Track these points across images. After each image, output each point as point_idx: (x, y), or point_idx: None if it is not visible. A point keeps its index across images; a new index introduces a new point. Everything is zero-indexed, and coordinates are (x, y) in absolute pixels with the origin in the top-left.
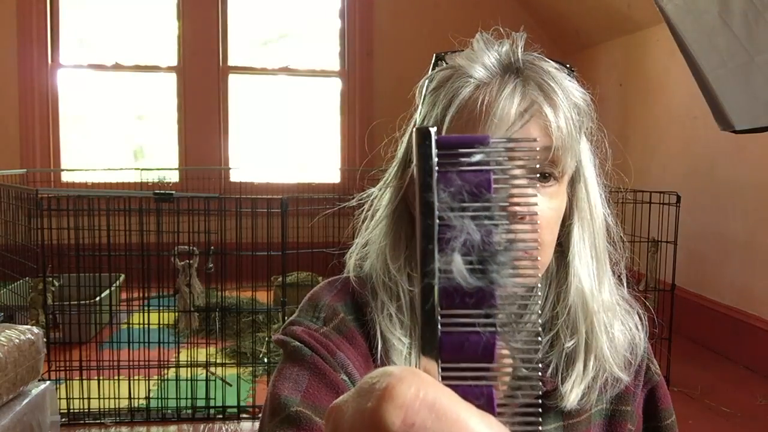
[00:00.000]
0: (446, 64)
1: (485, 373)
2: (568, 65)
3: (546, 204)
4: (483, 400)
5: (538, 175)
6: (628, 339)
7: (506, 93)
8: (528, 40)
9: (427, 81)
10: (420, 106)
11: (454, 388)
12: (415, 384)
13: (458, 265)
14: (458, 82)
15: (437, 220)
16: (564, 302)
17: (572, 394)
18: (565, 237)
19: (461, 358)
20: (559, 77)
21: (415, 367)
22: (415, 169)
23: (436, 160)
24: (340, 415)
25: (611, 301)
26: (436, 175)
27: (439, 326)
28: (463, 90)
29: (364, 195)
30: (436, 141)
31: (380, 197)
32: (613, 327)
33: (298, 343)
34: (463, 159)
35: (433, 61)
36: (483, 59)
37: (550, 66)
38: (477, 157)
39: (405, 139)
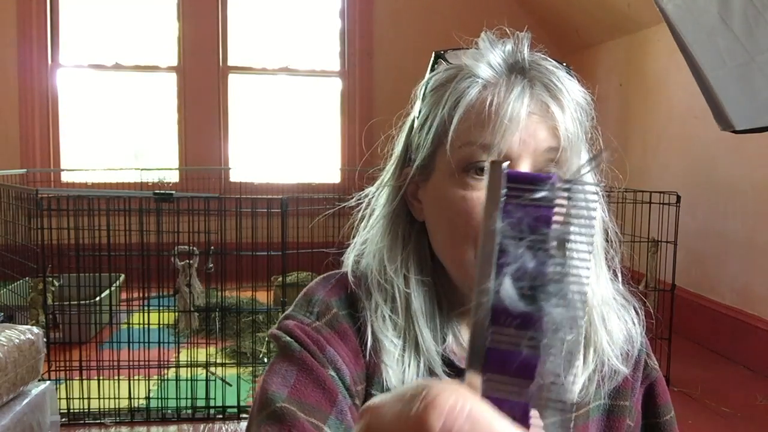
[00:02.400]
0: (446, 62)
1: (524, 389)
2: (565, 64)
3: None
4: (518, 415)
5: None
6: (624, 333)
7: (515, 94)
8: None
9: (427, 79)
10: (420, 105)
11: (493, 399)
12: (455, 395)
13: (509, 288)
14: (464, 82)
15: (497, 246)
16: None
17: (574, 386)
18: None
19: (504, 372)
20: (563, 77)
21: (406, 369)
22: (484, 197)
23: (504, 191)
24: (379, 417)
25: (607, 295)
26: (501, 205)
27: (488, 341)
28: (470, 90)
29: (363, 195)
30: (507, 174)
31: (377, 196)
32: (610, 320)
33: (289, 339)
34: (528, 194)
35: (432, 59)
36: (489, 58)
37: (553, 65)
38: (541, 194)
39: (402, 136)
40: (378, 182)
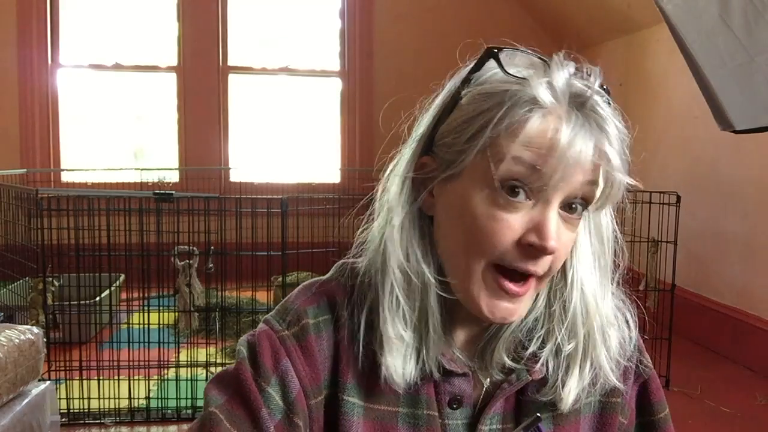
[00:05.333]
0: (500, 66)
1: None
2: (605, 87)
3: (568, 236)
4: None
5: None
6: (620, 338)
7: (581, 137)
8: (528, 41)
9: (474, 75)
10: (457, 94)
11: None
12: None
13: None
14: (522, 106)
15: None
16: (561, 300)
17: (570, 397)
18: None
19: None
20: (611, 113)
21: (406, 362)
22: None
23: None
24: None
25: (611, 314)
26: None
27: None
28: (530, 118)
29: (377, 190)
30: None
31: (390, 181)
32: (611, 336)
33: (245, 351)
34: None
35: (483, 55)
36: (555, 80)
37: (605, 102)
38: None
39: (425, 122)
40: (392, 164)
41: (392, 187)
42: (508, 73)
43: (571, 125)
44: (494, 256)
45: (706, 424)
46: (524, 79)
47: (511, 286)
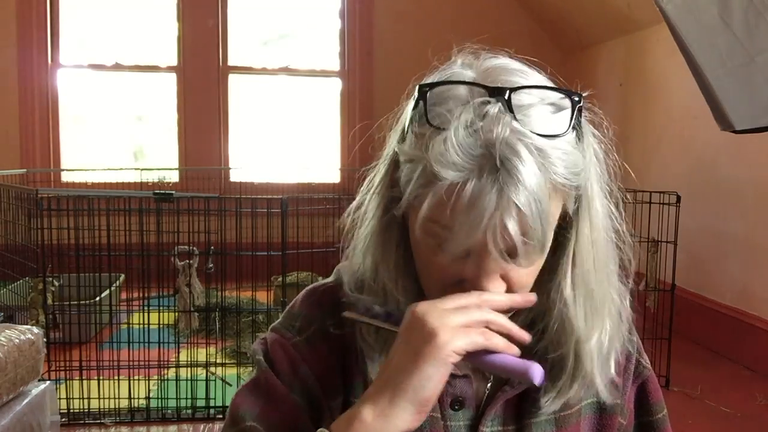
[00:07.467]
0: (424, 110)
1: None
2: (576, 97)
3: (522, 272)
4: None
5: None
6: (614, 340)
7: (483, 198)
8: (528, 41)
9: (416, 114)
10: (406, 136)
11: None
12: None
13: None
14: (430, 175)
15: None
16: (548, 301)
17: (552, 405)
18: (558, 250)
19: None
20: (545, 154)
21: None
22: None
23: None
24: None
25: (604, 314)
26: None
27: None
28: (436, 192)
29: (356, 205)
30: None
31: (369, 199)
32: (605, 339)
33: (262, 359)
34: None
35: (416, 95)
36: (455, 156)
37: (535, 140)
38: None
39: (393, 141)
40: (365, 185)
41: (366, 200)
42: (429, 123)
43: (473, 185)
44: (444, 291)
45: (706, 424)
46: (430, 162)
47: None
